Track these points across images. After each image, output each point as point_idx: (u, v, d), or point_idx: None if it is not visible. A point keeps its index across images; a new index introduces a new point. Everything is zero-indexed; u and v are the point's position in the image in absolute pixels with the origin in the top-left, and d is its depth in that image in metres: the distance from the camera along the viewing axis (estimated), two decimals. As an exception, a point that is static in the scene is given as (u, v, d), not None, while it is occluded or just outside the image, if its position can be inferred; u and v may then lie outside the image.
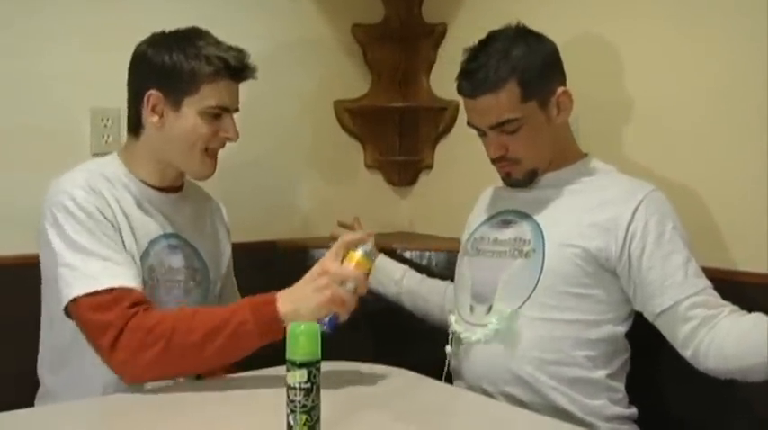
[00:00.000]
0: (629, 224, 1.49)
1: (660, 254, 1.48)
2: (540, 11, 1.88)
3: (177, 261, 1.62)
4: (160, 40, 1.58)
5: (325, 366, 1.14)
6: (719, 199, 1.71)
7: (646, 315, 1.51)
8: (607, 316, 1.53)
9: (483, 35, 1.60)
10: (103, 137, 1.99)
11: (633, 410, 1.55)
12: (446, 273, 1.85)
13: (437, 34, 2.39)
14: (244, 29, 1.95)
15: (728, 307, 1.45)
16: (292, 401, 1.10)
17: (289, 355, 1.11)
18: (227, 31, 1.63)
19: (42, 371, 1.61)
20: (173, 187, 1.66)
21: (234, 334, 1.38)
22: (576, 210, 1.56)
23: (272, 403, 1.18)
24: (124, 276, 1.45)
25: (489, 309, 1.57)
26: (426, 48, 2.42)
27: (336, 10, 2.39)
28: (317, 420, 1.12)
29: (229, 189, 1.94)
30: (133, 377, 1.42)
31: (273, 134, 2.28)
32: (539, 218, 1.59)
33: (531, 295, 1.53)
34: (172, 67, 1.54)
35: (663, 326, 1.49)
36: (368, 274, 1.41)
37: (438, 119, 2.39)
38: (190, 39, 1.57)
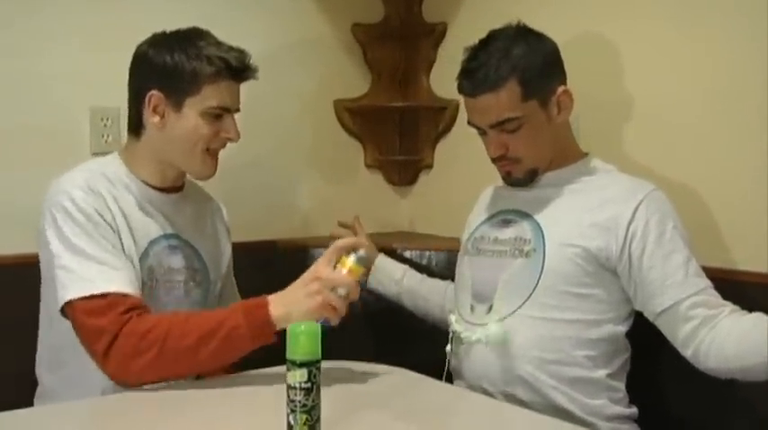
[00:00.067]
0: (630, 223, 1.49)
1: (661, 253, 1.47)
2: (541, 10, 1.88)
3: (177, 261, 1.62)
4: (161, 41, 1.58)
5: (326, 366, 1.14)
6: (720, 198, 1.71)
7: (646, 314, 1.51)
8: (607, 315, 1.53)
9: (483, 34, 1.60)
10: (103, 136, 1.99)
11: (633, 410, 1.55)
12: (446, 272, 1.85)
13: (437, 33, 2.39)
14: (244, 28, 1.95)
15: (729, 306, 1.45)
16: (292, 401, 1.10)
17: (289, 355, 1.11)
18: (228, 31, 1.63)
19: (41, 370, 1.61)
20: (173, 187, 1.66)
21: (226, 338, 1.39)
22: (576, 209, 1.56)
23: (273, 403, 1.18)
24: (120, 281, 1.45)
25: (490, 308, 1.57)
26: (426, 47, 2.42)
27: (336, 9, 2.39)
28: (318, 420, 1.12)
29: (230, 188, 1.94)
30: (127, 382, 1.43)
31: (274, 134, 2.28)
32: (539, 217, 1.59)
33: (531, 295, 1.52)
34: (173, 68, 1.54)
35: (663, 325, 1.49)
36: (359, 281, 1.42)
37: (438, 118, 2.39)
38: (191, 39, 1.57)
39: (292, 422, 1.10)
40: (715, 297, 1.47)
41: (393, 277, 1.90)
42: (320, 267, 1.41)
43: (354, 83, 2.45)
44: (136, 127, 1.60)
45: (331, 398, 1.18)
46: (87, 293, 1.42)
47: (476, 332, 1.56)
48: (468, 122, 1.62)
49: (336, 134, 2.44)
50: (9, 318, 1.77)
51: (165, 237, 1.61)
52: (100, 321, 1.40)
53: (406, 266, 1.94)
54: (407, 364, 1.56)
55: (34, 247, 1.56)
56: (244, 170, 2.13)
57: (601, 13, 1.93)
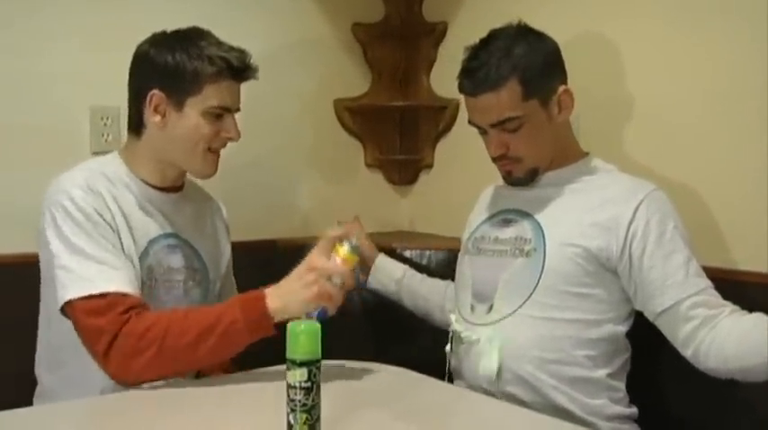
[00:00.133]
0: (630, 223, 1.49)
1: (661, 253, 1.47)
2: (541, 10, 1.88)
3: (177, 261, 1.62)
4: (162, 40, 1.58)
5: (326, 365, 1.14)
6: (720, 198, 1.71)
7: (646, 314, 1.51)
8: (608, 315, 1.53)
9: (484, 34, 1.60)
10: (103, 135, 1.99)
11: (634, 409, 1.55)
12: (446, 272, 1.85)
13: (437, 33, 2.39)
14: (244, 28, 1.95)
15: (729, 307, 1.45)
16: (292, 400, 1.10)
17: (289, 354, 1.11)
18: (228, 31, 1.63)
19: (40, 370, 1.61)
20: (173, 187, 1.66)
21: (225, 333, 1.39)
22: (576, 209, 1.56)
23: (273, 402, 1.17)
24: (120, 280, 1.45)
25: (490, 308, 1.57)
26: (427, 46, 2.42)
27: (337, 9, 2.39)
28: (318, 419, 1.12)
29: (230, 188, 1.94)
30: (128, 381, 1.43)
31: (274, 133, 2.28)
32: (539, 217, 1.58)
33: (531, 294, 1.52)
34: (175, 68, 1.54)
35: (663, 325, 1.49)
36: (354, 269, 1.43)
37: (438, 118, 2.39)
38: (192, 39, 1.57)
39: (292, 421, 1.10)
40: (715, 297, 1.46)
41: (393, 277, 1.90)
42: (314, 258, 1.42)
43: (354, 82, 2.45)
44: (136, 126, 1.60)
45: (331, 398, 1.18)
46: (87, 293, 1.42)
47: (476, 331, 1.56)
48: (469, 122, 1.62)
49: (336, 133, 2.44)
50: (9, 318, 1.77)
51: (165, 236, 1.61)
52: (99, 321, 1.40)
53: (406, 266, 1.94)
54: (407, 364, 1.56)
55: (34, 247, 1.56)
56: (244, 169, 2.13)
57: (601, 13, 1.93)
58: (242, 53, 1.58)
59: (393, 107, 2.47)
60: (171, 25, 1.61)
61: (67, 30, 1.95)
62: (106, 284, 1.43)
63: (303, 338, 1.10)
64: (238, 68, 1.57)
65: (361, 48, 2.45)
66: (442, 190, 2.43)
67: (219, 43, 1.58)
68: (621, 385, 1.55)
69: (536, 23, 1.61)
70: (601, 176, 1.61)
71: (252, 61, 1.60)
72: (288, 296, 1.40)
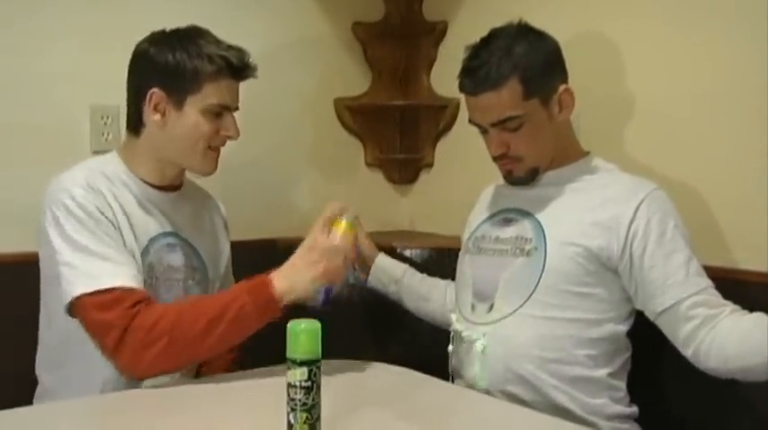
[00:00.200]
0: (631, 223, 1.49)
1: (662, 253, 1.47)
2: (541, 9, 1.88)
3: (176, 259, 1.62)
4: (161, 39, 1.58)
5: (326, 364, 1.13)
6: (721, 197, 1.71)
7: (647, 314, 1.51)
8: (608, 315, 1.52)
9: (484, 33, 1.60)
10: (103, 134, 1.99)
11: (634, 409, 1.55)
12: (446, 271, 1.85)
13: (438, 32, 2.38)
14: (244, 27, 1.95)
15: (730, 306, 1.44)
16: (293, 399, 1.10)
17: (289, 354, 1.11)
18: (228, 30, 1.63)
19: (41, 369, 1.61)
20: (172, 186, 1.66)
21: (234, 319, 1.41)
22: (577, 208, 1.55)
23: (273, 401, 1.17)
24: (125, 275, 1.45)
25: (491, 307, 1.57)
26: (427, 45, 2.42)
27: (337, 8, 2.39)
28: (318, 418, 1.12)
29: (230, 187, 1.94)
30: (139, 375, 1.45)
31: (274, 132, 2.28)
32: (540, 216, 1.58)
33: (532, 294, 1.52)
34: (175, 66, 1.54)
35: (664, 325, 1.48)
36: (355, 241, 1.47)
37: (438, 117, 2.39)
38: (191, 38, 1.57)
39: (292, 420, 1.10)
40: (716, 296, 1.46)
41: (393, 276, 1.90)
42: (315, 235, 1.45)
43: (355, 81, 2.45)
44: (135, 125, 1.60)
45: (331, 397, 1.18)
46: (94, 289, 1.42)
47: (477, 331, 1.56)
48: (470, 121, 1.62)
49: (337, 132, 2.44)
50: (8, 317, 1.76)
51: (165, 235, 1.61)
52: (108, 316, 1.41)
53: (406, 265, 1.94)
54: (408, 363, 1.56)
55: (34, 246, 1.56)
56: (244, 168, 2.13)
57: (601, 12, 1.93)
58: (241, 52, 1.59)
59: (393, 106, 2.47)
60: (171, 25, 1.61)
61: (68, 29, 1.95)
62: (112, 279, 1.43)
63: (303, 338, 1.10)
64: (238, 67, 1.58)
65: (362, 47, 2.45)
66: (443, 189, 2.43)
67: (218, 42, 1.58)
68: (622, 384, 1.55)
69: (536, 23, 1.61)
70: (601, 176, 1.60)
71: (251, 60, 1.60)
72: (294, 276, 1.43)
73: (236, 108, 1.62)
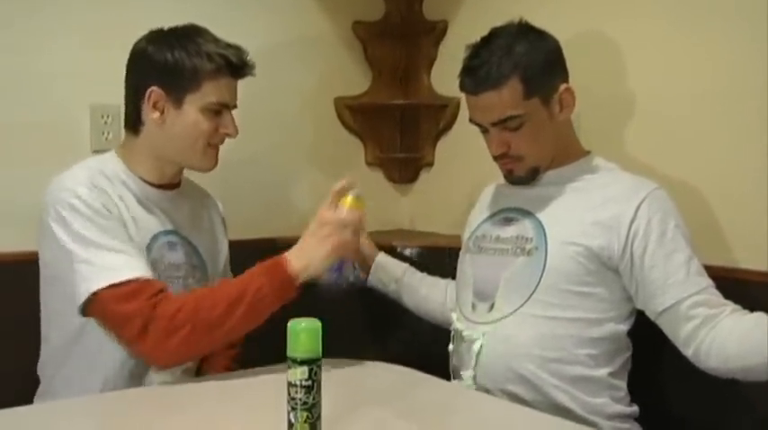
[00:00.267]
0: (632, 222, 1.49)
1: (662, 252, 1.47)
2: (542, 8, 1.87)
3: (177, 257, 1.62)
4: (160, 38, 1.59)
5: (326, 363, 1.13)
6: (721, 197, 1.71)
7: (647, 313, 1.51)
8: (609, 314, 1.52)
9: (484, 32, 1.60)
10: (103, 133, 1.98)
11: (635, 408, 1.55)
12: (447, 270, 1.85)
13: (438, 31, 2.38)
14: (244, 26, 1.95)
15: (730, 306, 1.44)
16: (293, 398, 1.10)
17: (290, 353, 1.11)
18: (228, 28, 1.63)
19: (42, 369, 1.61)
20: (171, 184, 1.66)
21: (253, 301, 1.43)
22: (578, 208, 1.55)
23: (273, 400, 1.17)
24: (141, 267, 1.47)
25: (491, 306, 1.57)
26: (427, 45, 2.42)
27: (337, 7, 2.39)
28: (318, 417, 1.12)
29: (229, 186, 1.93)
30: (163, 363, 1.47)
31: (274, 131, 2.27)
32: (541, 215, 1.58)
33: (533, 293, 1.52)
34: (174, 64, 1.54)
35: (664, 324, 1.48)
36: (363, 215, 1.49)
37: (439, 116, 2.39)
38: (189, 36, 1.57)
39: (293, 420, 1.10)
40: (716, 296, 1.46)
41: (393, 275, 1.90)
42: (324, 212, 1.48)
43: (355, 80, 2.45)
44: (134, 123, 1.60)
45: (332, 396, 1.18)
46: (112, 281, 1.43)
47: (477, 330, 1.56)
48: (470, 120, 1.62)
49: (337, 131, 2.44)
50: (8, 317, 1.76)
51: (166, 233, 1.61)
52: (129, 307, 1.42)
53: (406, 265, 1.94)
54: (408, 362, 1.56)
55: (34, 245, 1.56)
56: (244, 167, 2.13)
57: (602, 12, 1.93)
58: (239, 50, 1.59)
59: (393, 105, 2.47)
60: (172, 23, 1.61)
61: (67, 28, 1.94)
62: (130, 272, 1.44)
63: (304, 337, 1.10)
64: (237, 65, 1.58)
65: (362, 46, 2.45)
66: (443, 188, 2.42)
67: (216, 40, 1.59)
68: (623, 384, 1.55)
69: (537, 22, 1.61)
70: (602, 175, 1.60)
71: (249, 58, 1.61)
72: (308, 254, 1.46)
73: (235, 106, 1.63)
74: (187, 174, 1.72)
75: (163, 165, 1.62)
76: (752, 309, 1.43)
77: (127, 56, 1.61)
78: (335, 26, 2.40)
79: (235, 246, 1.83)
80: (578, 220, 1.53)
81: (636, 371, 1.57)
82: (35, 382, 1.61)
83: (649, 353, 1.58)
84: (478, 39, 1.59)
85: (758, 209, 1.63)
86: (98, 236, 1.46)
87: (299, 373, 1.10)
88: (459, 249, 1.75)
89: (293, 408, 1.10)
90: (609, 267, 1.51)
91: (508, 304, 1.55)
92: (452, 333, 1.65)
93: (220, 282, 1.56)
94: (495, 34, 1.58)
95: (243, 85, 1.63)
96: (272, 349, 1.26)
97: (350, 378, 1.47)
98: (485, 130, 1.60)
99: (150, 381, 1.54)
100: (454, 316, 1.65)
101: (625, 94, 1.87)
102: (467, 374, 1.56)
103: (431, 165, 2.46)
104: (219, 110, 1.59)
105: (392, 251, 2.02)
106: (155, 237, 1.59)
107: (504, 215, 1.66)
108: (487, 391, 1.53)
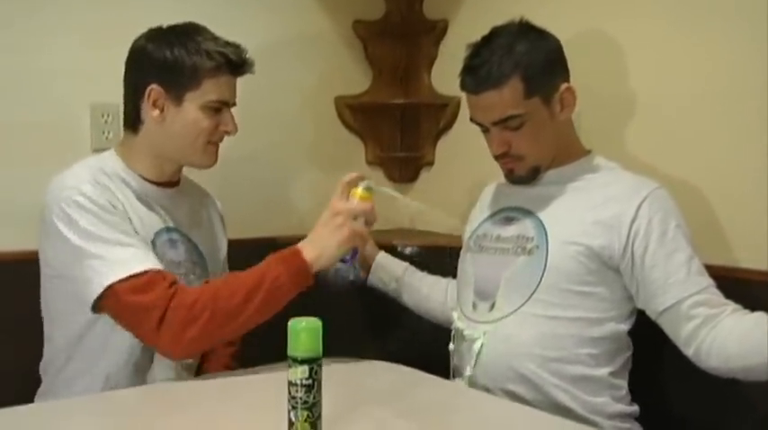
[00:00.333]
0: (633, 221, 1.49)
1: (663, 252, 1.47)
2: (542, 8, 1.87)
3: (178, 254, 1.63)
4: (159, 36, 1.59)
5: (327, 362, 1.13)
6: (722, 196, 1.71)
7: (648, 313, 1.51)
8: (610, 313, 1.52)
9: (484, 31, 1.60)
10: (104, 132, 1.98)
11: (635, 408, 1.55)
12: (447, 269, 1.85)
13: (438, 30, 2.38)
14: (244, 24, 1.95)
15: (731, 305, 1.44)
16: (294, 398, 1.10)
17: (290, 352, 1.11)
18: (228, 27, 1.63)
19: (44, 368, 1.61)
20: (170, 182, 1.66)
21: (271, 289, 1.44)
22: (579, 207, 1.55)
23: (274, 399, 1.17)
24: (153, 260, 1.47)
25: (492, 306, 1.57)
26: (427, 44, 2.42)
27: (337, 6, 2.39)
28: (319, 416, 1.12)
29: (229, 184, 1.94)
30: (180, 352, 1.48)
31: (274, 130, 2.27)
32: (542, 215, 1.58)
33: (533, 293, 1.52)
34: (173, 62, 1.54)
35: (665, 324, 1.48)
36: (373, 207, 1.51)
37: (439, 115, 2.39)
38: (189, 34, 1.57)
39: (293, 419, 1.10)
40: (717, 296, 1.46)
41: (393, 274, 1.90)
42: (336, 202, 1.49)
43: (355, 79, 2.45)
44: (133, 122, 1.60)
45: (332, 395, 1.18)
46: (127, 274, 1.43)
47: (478, 329, 1.56)
48: (471, 119, 1.61)
49: (337, 130, 2.44)
50: (9, 316, 1.76)
51: (167, 230, 1.62)
52: (146, 298, 1.42)
53: (406, 264, 1.94)
54: (408, 361, 1.56)
55: (35, 244, 1.56)
56: (244, 165, 2.13)
57: (603, 11, 1.93)
58: (238, 48, 1.60)
59: (394, 104, 2.47)
60: (171, 21, 1.61)
61: (68, 26, 1.94)
62: (143, 264, 1.45)
63: (304, 336, 1.10)
64: (236, 63, 1.59)
65: (362, 45, 2.45)
66: (443, 187, 2.42)
67: (215, 38, 1.59)
68: (623, 383, 1.55)
69: (537, 21, 1.61)
70: (603, 174, 1.60)
71: (248, 56, 1.61)
72: (321, 243, 1.47)
73: (234, 104, 1.63)
74: (187, 172, 1.72)
75: (162, 163, 1.62)
76: (752, 309, 1.43)
77: (127, 54, 1.61)
78: (336, 25, 2.40)
79: (234, 244, 1.83)
80: (579, 220, 1.53)
81: (636, 371, 1.57)
82: (35, 381, 1.61)
83: (650, 353, 1.58)
84: (479, 38, 1.59)
85: (759, 208, 1.63)
86: (106, 231, 1.46)
87: (299, 372, 1.10)
88: (460, 248, 1.76)
89: (294, 407, 1.10)
90: (610, 267, 1.51)
91: (509, 303, 1.54)
92: (453, 332, 1.65)
93: (232, 274, 1.56)
94: (495, 33, 1.58)
95: (243, 83, 1.63)
96: (273, 348, 1.26)
97: (350, 377, 1.47)
98: (485, 130, 1.60)
99: (153, 378, 1.54)
100: (455, 315, 1.65)
101: (626, 93, 1.87)
102: (475, 371, 1.55)
103: (431, 164, 2.46)
104: (219, 107, 1.59)
105: (392, 250, 2.02)
106: (157, 234, 1.59)
107: (505, 214, 1.66)
108: (488, 391, 1.53)
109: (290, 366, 1.10)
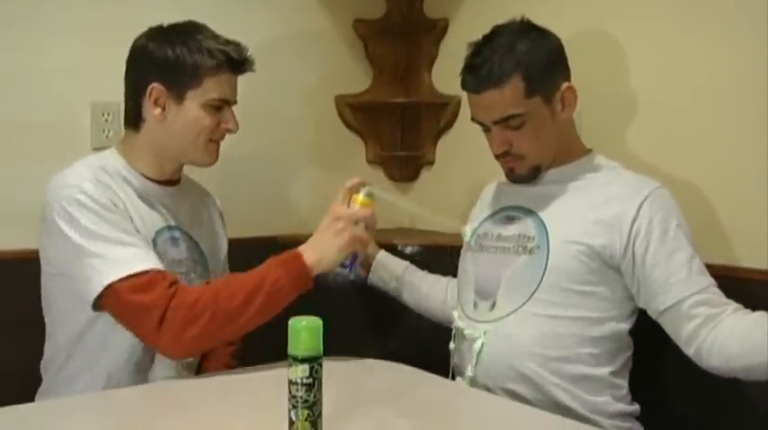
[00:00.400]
0: (634, 221, 1.49)
1: (664, 251, 1.47)
2: (543, 7, 1.87)
3: (180, 253, 1.63)
4: (160, 34, 1.59)
5: (327, 361, 1.13)
6: (722, 196, 1.71)
7: (649, 312, 1.51)
8: (611, 313, 1.52)
9: (485, 30, 1.60)
10: (104, 131, 1.98)
11: (636, 407, 1.55)
12: (447, 268, 1.85)
13: (439, 29, 2.38)
14: (245, 23, 1.95)
15: (732, 305, 1.44)
16: (294, 397, 1.10)
17: (290, 351, 1.10)
18: (229, 25, 1.63)
19: (45, 367, 1.61)
20: (171, 181, 1.67)
21: (271, 291, 1.44)
22: (580, 206, 1.55)
23: (274, 398, 1.17)
24: (153, 259, 1.47)
25: (493, 305, 1.57)
26: (428, 43, 2.42)
27: (338, 4, 2.39)
28: (319, 415, 1.11)
29: (230, 183, 1.94)
30: (180, 352, 1.48)
31: (274, 128, 2.27)
32: (543, 214, 1.58)
33: (534, 292, 1.52)
34: (175, 61, 1.54)
35: (666, 323, 1.48)
36: (374, 213, 1.52)
37: (439, 114, 2.39)
38: (189, 32, 1.58)
39: (294, 418, 1.10)
40: (718, 295, 1.46)
41: (394, 273, 1.90)
42: (337, 207, 1.50)
43: (356, 78, 2.44)
44: (134, 120, 1.60)
45: (333, 394, 1.17)
46: (127, 273, 1.43)
47: (478, 329, 1.56)
48: (472, 119, 1.61)
49: (337, 129, 2.44)
50: (9, 315, 1.76)
51: (169, 228, 1.62)
52: (146, 297, 1.42)
53: (406, 263, 1.93)
54: (409, 361, 1.56)
55: (35, 243, 1.56)
56: (244, 165, 2.13)
57: (603, 11, 1.93)
58: (239, 46, 1.60)
59: (394, 103, 2.47)
60: (171, 20, 1.61)
61: (68, 25, 1.94)
62: (144, 263, 1.45)
63: (305, 334, 1.10)
64: (237, 61, 1.59)
65: (363, 44, 2.45)
66: (444, 187, 2.42)
67: (216, 36, 1.59)
68: (624, 383, 1.55)
69: (538, 20, 1.61)
70: (604, 173, 1.60)
71: (249, 54, 1.61)
72: (322, 247, 1.48)
73: (235, 102, 1.63)
74: (187, 170, 1.72)
75: (163, 162, 1.62)
76: (753, 308, 1.43)
77: (127, 53, 1.61)
78: (336, 24, 2.40)
79: (234, 243, 1.83)
80: (580, 219, 1.53)
81: (637, 370, 1.57)
82: (36, 380, 1.61)
83: (651, 352, 1.58)
84: (480, 37, 1.59)
85: (759, 207, 1.62)
86: (107, 230, 1.46)
87: (299, 371, 1.09)
88: (460, 247, 1.75)
89: (294, 406, 1.10)
90: (610, 266, 1.51)
91: (509, 303, 1.54)
92: (453, 331, 1.65)
93: (233, 275, 1.56)
94: (496, 32, 1.58)
95: (243, 82, 1.63)
96: (273, 347, 1.26)
97: (351, 376, 1.47)
98: (486, 129, 1.60)
99: (154, 377, 1.54)
100: (455, 314, 1.65)
101: (626, 92, 1.87)
102: (475, 371, 1.56)
103: (431, 163, 2.46)
104: (220, 105, 1.59)
105: (393, 249, 2.02)
106: (158, 233, 1.59)
107: (506, 213, 1.66)
108: (488, 390, 1.53)
109: (290, 365, 1.10)
